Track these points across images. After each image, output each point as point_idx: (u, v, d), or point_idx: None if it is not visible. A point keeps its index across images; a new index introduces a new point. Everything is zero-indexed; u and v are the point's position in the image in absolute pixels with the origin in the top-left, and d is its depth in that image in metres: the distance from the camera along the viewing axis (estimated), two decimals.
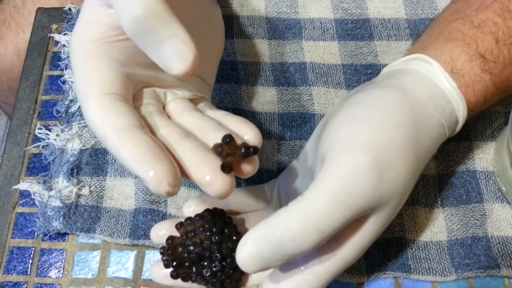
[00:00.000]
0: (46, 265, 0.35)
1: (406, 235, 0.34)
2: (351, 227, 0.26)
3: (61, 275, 0.35)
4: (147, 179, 0.23)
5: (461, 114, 0.30)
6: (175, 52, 0.23)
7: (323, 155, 0.26)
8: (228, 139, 0.24)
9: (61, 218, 0.35)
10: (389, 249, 0.33)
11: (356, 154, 0.25)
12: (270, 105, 0.39)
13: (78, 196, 0.36)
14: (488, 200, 0.34)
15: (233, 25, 0.42)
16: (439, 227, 0.34)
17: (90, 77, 0.25)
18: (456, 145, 0.36)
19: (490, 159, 0.36)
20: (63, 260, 0.35)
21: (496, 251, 0.33)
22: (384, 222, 0.27)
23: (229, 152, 0.24)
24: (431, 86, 0.29)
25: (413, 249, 0.33)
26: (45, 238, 0.36)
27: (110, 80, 0.25)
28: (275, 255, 0.24)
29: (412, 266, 0.33)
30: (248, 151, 0.24)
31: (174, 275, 0.28)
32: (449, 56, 0.30)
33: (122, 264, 0.35)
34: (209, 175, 0.24)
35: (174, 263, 0.28)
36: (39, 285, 0.35)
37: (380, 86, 0.30)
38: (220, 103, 0.39)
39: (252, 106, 0.39)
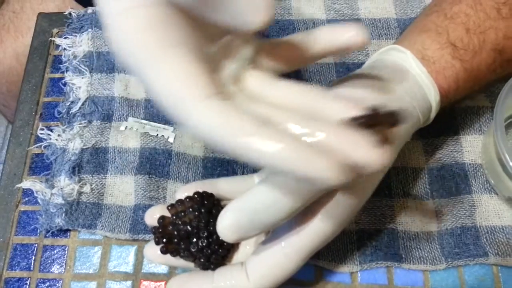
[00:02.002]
0: (49, 261, 0.36)
1: (397, 226, 0.35)
2: (324, 199, 0.27)
3: (63, 271, 0.36)
4: (315, 176, 0.20)
5: (433, 98, 0.31)
6: (249, 2, 0.20)
7: None
8: (372, 111, 0.23)
9: (63, 215, 0.36)
10: (381, 239, 0.34)
11: None
12: None
13: (80, 193, 0.37)
14: (476, 192, 0.35)
15: None
16: (430, 218, 0.35)
17: (177, 78, 0.21)
18: (445, 139, 0.37)
19: (478, 152, 0.37)
20: (65, 256, 0.36)
21: (485, 240, 0.34)
22: (355, 195, 0.28)
23: (371, 123, 0.23)
24: (403, 72, 0.31)
25: (404, 240, 0.34)
26: (47, 235, 0.37)
27: (204, 77, 0.22)
28: (251, 224, 0.25)
29: (403, 256, 0.34)
30: (394, 117, 0.23)
31: (163, 250, 0.30)
32: (421, 45, 0.32)
33: (123, 258, 0.36)
34: (369, 152, 0.22)
35: (164, 240, 0.29)
36: (42, 281, 0.36)
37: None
38: None
39: None
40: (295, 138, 0.21)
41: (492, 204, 0.35)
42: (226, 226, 0.26)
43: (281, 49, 0.28)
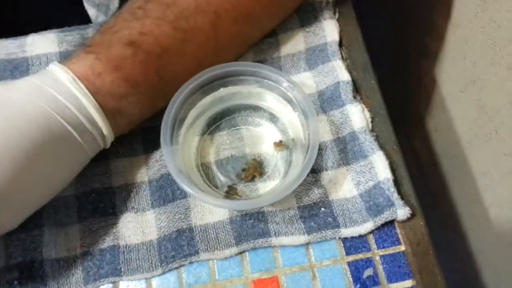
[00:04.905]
0: None
1: (119, 242, 0.37)
2: None
3: None
4: None
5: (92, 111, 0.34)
6: None
7: None
8: None
9: None
10: (103, 258, 0.36)
11: None
12: None
13: None
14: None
15: None
16: (150, 227, 0.37)
17: None
18: None
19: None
20: None
21: (198, 238, 0.37)
22: None
23: None
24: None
25: (125, 253, 0.36)
26: None
27: None
28: None
29: (122, 269, 0.36)
30: None
31: None
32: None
33: None
34: None
35: None
36: None
37: None
38: None
39: None
40: None
41: (205, 205, 0.38)
42: None
43: None
